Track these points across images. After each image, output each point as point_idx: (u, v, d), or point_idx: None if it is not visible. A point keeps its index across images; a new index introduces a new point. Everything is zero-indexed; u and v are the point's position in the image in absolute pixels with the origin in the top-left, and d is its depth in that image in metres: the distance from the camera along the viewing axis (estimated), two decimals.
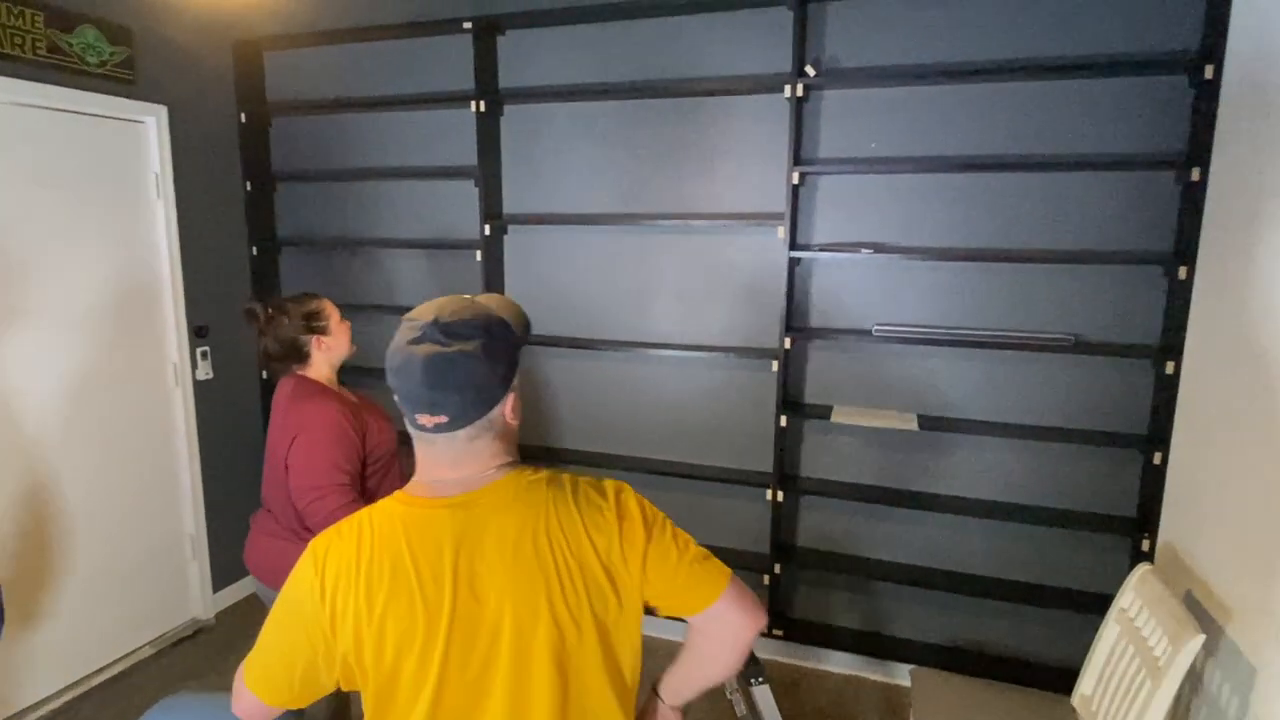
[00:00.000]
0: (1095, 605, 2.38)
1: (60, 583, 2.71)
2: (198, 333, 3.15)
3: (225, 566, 3.31)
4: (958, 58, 2.46)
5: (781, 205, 2.63)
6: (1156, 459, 2.32)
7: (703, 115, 2.77)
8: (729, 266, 2.84)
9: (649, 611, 1.04)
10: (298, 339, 1.95)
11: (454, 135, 3.09)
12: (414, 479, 1.02)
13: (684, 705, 1.18)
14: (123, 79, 2.78)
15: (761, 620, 1.05)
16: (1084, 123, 2.38)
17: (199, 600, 3.24)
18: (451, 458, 0.98)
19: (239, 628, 3.21)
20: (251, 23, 3.23)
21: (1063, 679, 2.36)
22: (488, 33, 2.91)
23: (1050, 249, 2.46)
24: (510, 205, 3.10)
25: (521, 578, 0.95)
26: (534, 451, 3.13)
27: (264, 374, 3.43)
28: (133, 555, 2.96)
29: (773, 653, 2.94)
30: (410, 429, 0.99)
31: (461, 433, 0.96)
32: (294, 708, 1.03)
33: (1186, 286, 2.23)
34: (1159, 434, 2.34)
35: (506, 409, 1.00)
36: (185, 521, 3.17)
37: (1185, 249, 2.23)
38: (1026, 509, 2.58)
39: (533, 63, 2.95)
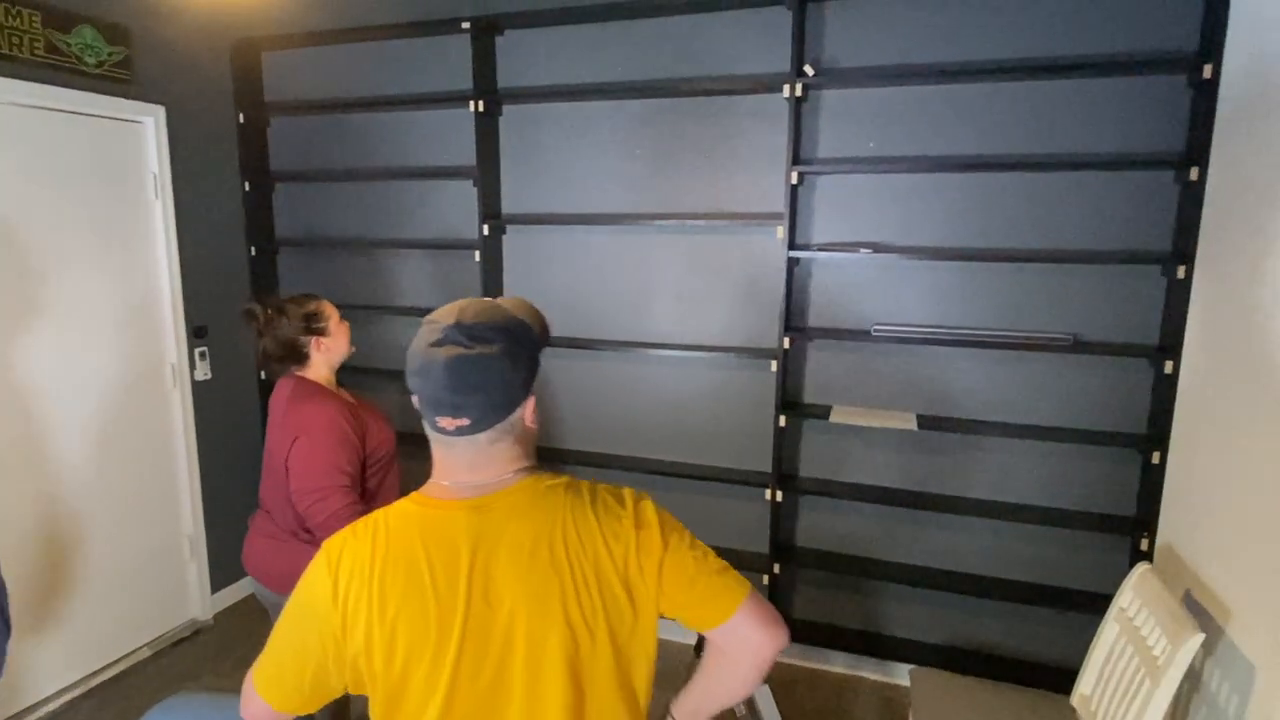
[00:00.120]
0: (1094, 605, 2.38)
1: (58, 584, 2.70)
2: (196, 333, 3.14)
3: (224, 567, 3.31)
4: (956, 58, 2.46)
5: (780, 205, 2.63)
6: (1155, 458, 2.32)
7: (702, 115, 2.77)
8: (728, 266, 2.84)
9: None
10: (297, 340, 1.94)
11: (452, 135, 3.09)
12: (430, 480, 1.01)
13: None
14: (121, 79, 2.78)
15: (783, 636, 1.01)
16: (1083, 122, 2.38)
17: (197, 601, 3.24)
18: (470, 461, 0.97)
19: (237, 629, 3.21)
20: (250, 23, 3.23)
21: (1062, 678, 2.36)
22: (486, 32, 2.90)
23: (1049, 249, 2.46)
24: (509, 205, 3.09)
25: (537, 584, 0.93)
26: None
27: (262, 374, 3.42)
28: (131, 556, 2.95)
29: None
30: (429, 431, 0.98)
31: (482, 435, 0.95)
32: (303, 713, 1.01)
33: (1185, 286, 2.23)
34: (1158, 433, 2.34)
35: (527, 412, 1.00)
36: (184, 522, 3.17)
37: (1184, 248, 2.23)
38: (1026, 508, 2.58)
39: (531, 63, 2.95)
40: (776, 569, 2.77)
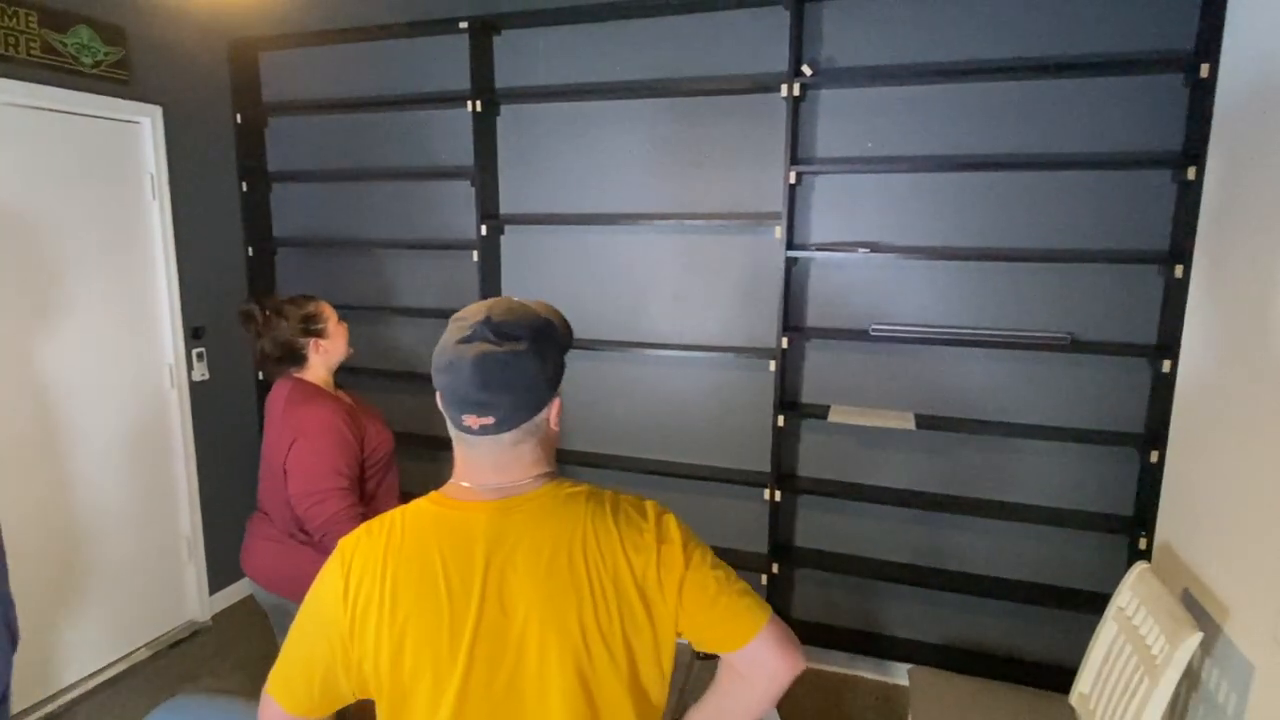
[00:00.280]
0: (1092, 604, 2.38)
1: (56, 585, 2.70)
2: (194, 334, 3.14)
3: (222, 568, 3.30)
4: (954, 57, 2.46)
5: (778, 205, 2.63)
6: (1153, 457, 2.32)
7: (699, 115, 2.77)
8: (726, 266, 2.84)
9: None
10: (295, 342, 1.94)
11: (450, 135, 3.08)
12: (450, 481, 1.00)
13: None
14: (117, 79, 2.77)
15: (800, 663, 0.99)
16: (1080, 122, 2.38)
17: (195, 602, 3.23)
18: (493, 462, 0.96)
19: (236, 630, 3.20)
20: (247, 23, 3.22)
21: (1060, 678, 2.36)
22: (484, 32, 2.90)
23: (1046, 248, 2.46)
24: (507, 205, 3.09)
25: (554, 593, 0.92)
26: None
27: (260, 375, 3.42)
28: (129, 557, 2.95)
29: None
30: (452, 431, 0.97)
31: (506, 435, 0.94)
32: (315, 717, 0.99)
33: (1183, 285, 2.23)
34: (1156, 432, 2.34)
35: (552, 413, 0.99)
36: (182, 523, 3.16)
37: (1181, 248, 2.23)
38: (1024, 508, 2.58)
39: (529, 63, 2.95)
40: (775, 568, 2.77)
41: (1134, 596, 1.96)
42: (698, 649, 1.00)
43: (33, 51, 2.49)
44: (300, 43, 3.21)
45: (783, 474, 2.82)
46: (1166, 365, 2.27)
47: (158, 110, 2.93)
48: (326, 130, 3.31)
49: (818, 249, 2.68)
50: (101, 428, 2.82)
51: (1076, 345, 2.43)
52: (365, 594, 0.93)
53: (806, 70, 2.49)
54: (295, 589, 1.69)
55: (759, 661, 0.98)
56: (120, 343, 2.88)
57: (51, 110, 2.59)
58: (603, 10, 2.73)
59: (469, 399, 0.92)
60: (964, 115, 2.49)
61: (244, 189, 3.34)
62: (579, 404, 3.11)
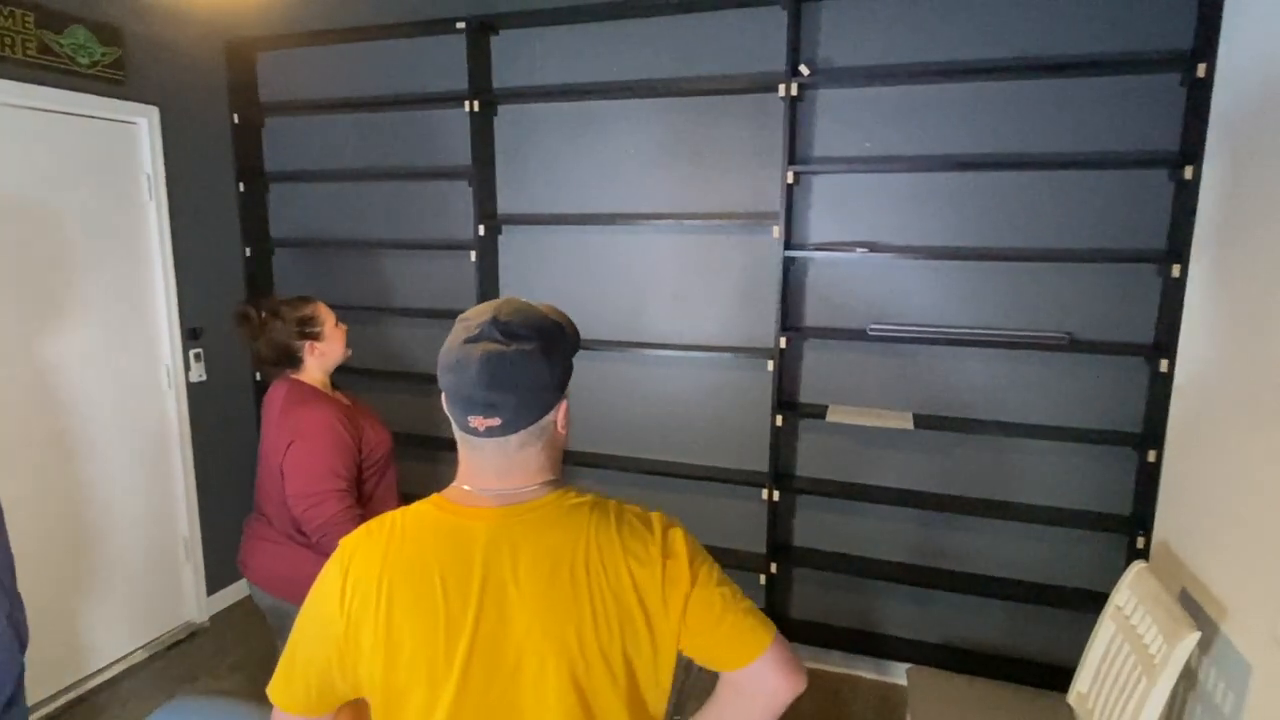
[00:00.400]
0: (1091, 603, 2.39)
1: (53, 586, 2.69)
2: (191, 335, 3.13)
3: (219, 569, 3.30)
4: (951, 57, 2.47)
5: (776, 205, 2.63)
6: (1151, 457, 2.32)
7: (697, 115, 2.77)
8: (724, 266, 2.84)
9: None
10: (290, 344, 1.93)
11: (448, 135, 3.08)
12: (453, 484, 0.98)
13: None
14: (114, 80, 2.77)
15: (801, 684, 0.97)
16: (1077, 121, 2.38)
17: (193, 603, 3.23)
18: (498, 465, 0.94)
19: (234, 631, 3.20)
20: (244, 22, 3.21)
21: (1059, 677, 2.36)
22: (481, 32, 2.90)
23: (1044, 248, 2.47)
24: (505, 205, 3.09)
25: (553, 605, 0.90)
26: None
27: (258, 376, 3.41)
28: (126, 558, 2.94)
29: None
30: (457, 433, 0.95)
31: (513, 438, 0.92)
32: (313, 716, 0.98)
33: (1180, 284, 2.23)
34: (1153, 432, 2.34)
35: (559, 416, 0.97)
36: (179, 524, 3.16)
37: (1179, 247, 2.23)
38: (1022, 507, 2.58)
39: (527, 62, 2.94)
40: (773, 568, 2.77)
41: (1132, 596, 1.96)
42: (699, 664, 0.98)
43: (29, 52, 2.48)
44: (297, 43, 3.21)
45: (781, 474, 2.82)
46: (1164, 365, 2.27)
47: (154, 110, 2.92)
48: (324, 130, 3.30)
49: (816, 249, 2.68)
50: (99, 429, 2.81)
51: (1074, 345, 2.43)
52: (361, 596, 0.92)
53: (804, 70, 2.49)
54: (293, 590, 1.70)
55: (761, 681, 0.96)
56: (117, 344, 2.87)
57: (48, 110, 2.59)
58: (600, 10, 2.73)
59: (475, 399, 0.90)
60: (961, 115, 2.49)
61: (241, 189, 3.33)
62: (576, 404, 3.09)
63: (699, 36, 2.71)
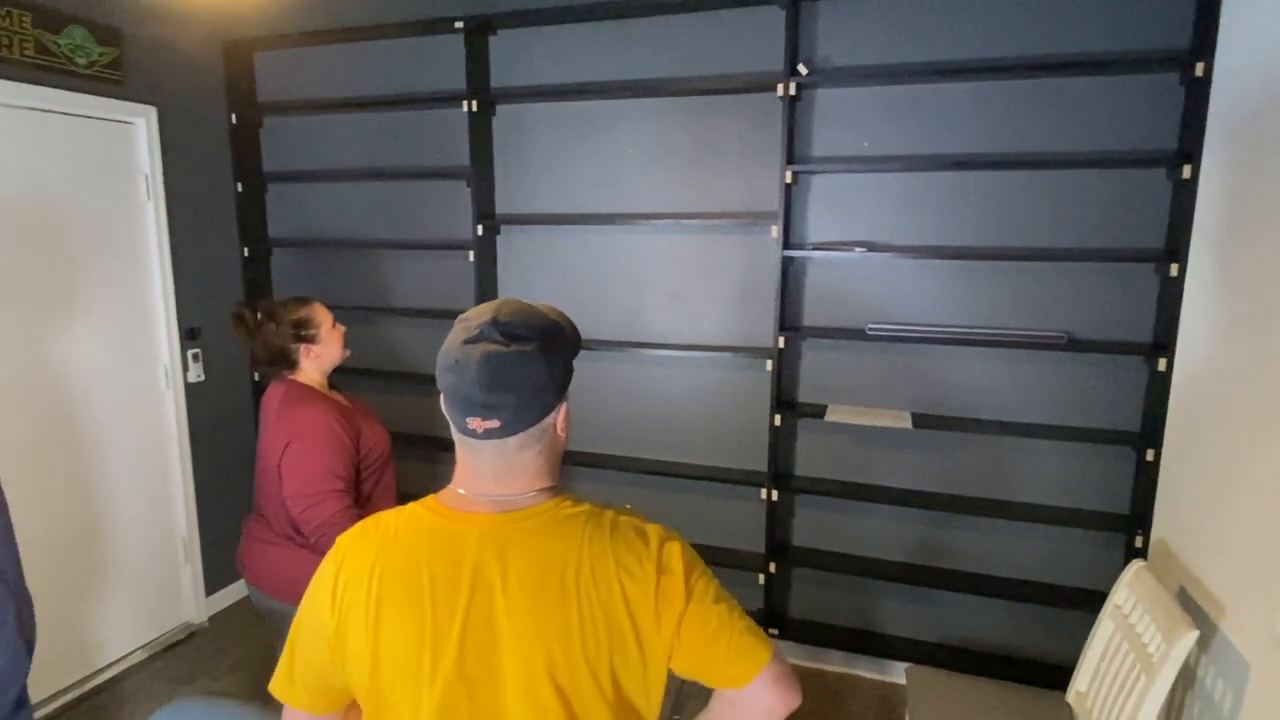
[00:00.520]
0: (1089, 602, 2.39)
1: (51, 587, 2.68)
2: (189, 335, 3.13)
3: (218, 570, 3.30)
4: (949, 56, 2.47)
5: (775, 204, 2.63)
6: (1149, 456, 2.33)
7: (695, 115, 2.77)
8: (722, 266, 2.84)
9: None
10: (285, 347, 1.92)
11: (446, 135, 3.08)
12: (449, 487, 0.97)
13: None
14: (112, 80, 2.76)
15: (797, 700, 0.96)
16: (1075, 121, 2.38)
17: (191, 604, 3.22)
18: (497, 468, 0.93)
19: (233, 631, 3.20)
20: (241, 23, 3.21)
21: (1058, 676, 2.37)
22: (479, 32, 2.89)
23: (1042, 247, 2.47)
24: (503, 205, 3.09)
25: (540, 616, 0.88)
26: None
27: (256, 376, 3.41)
28: (125, 559, 2.94)
29: None
30: (456, 435, 0.94)
31: (512, 440, 0.91)
32: (317, 713, 0.99)
33: (1178, 283, 2.23)
34: (1152, 431, 2.34)
35: (559, 418, 0.96)
36: (177, 525, 3.16)
37: (1177, 246, 2.24)
38: (1021, 506, 2.58)
39: (525, 62, 2.94)
40: (773, 568, 2.77)
41: (1130, 595, 1.96)
42: (696, 680, 0.97)
43: (26, 52, 2.48)
44: (295, 43, 3.20)
45: (780, 473, 2.82)
46: (1162, 364, 2.28)
47: (152, 110, 2.92)
48: (322, 130, 3.30)
49: (814, 248, 2.68)
50: (97, 429, 2.81)
51: (1072, 344, 2.43)
52: (351, 596, 0.92)
53: (802, 70, 2.49)
54: (292, 591, 1.69)
55: (757, 700, 0.95)
56: (115, 344, 2.87)
57: (45, 111, 2.58)
58: (598, 10, 2.73)
59: (474, 400, 0.88)
60: (960, 114, 2.49)
61: (239, 189, 3.33)
62: (575, 404, 3.08)
63: (697, 36, 2.71)
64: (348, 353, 2.04)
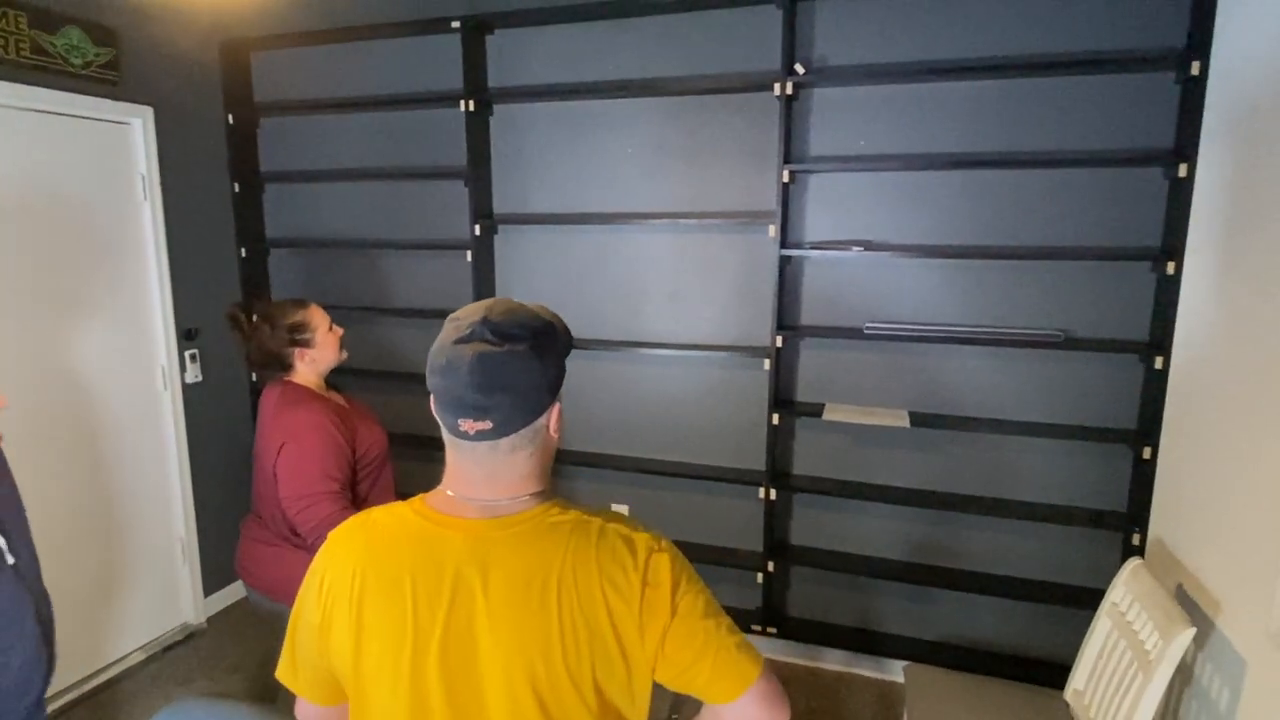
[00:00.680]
0: (1087, 600, 2.39)
1: (49, 588, 2.67)
2: (186, 335, 3.12)
3: (216, 570, 3.29)
4: (946, 55, 2.47)
5: (772, 204, 2.63)
6: (1146, 454, 2.33)
7: (692, 114, 2.77)
8: (720, 265, 2.84)
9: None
10: (280, 351, 1.92)
11: (443, 135, 3.07)
12: (439, 487, 0.96)
13: None
14: (108, 80, 2.76)
15: (785, 715, 0.95)
16: (1072, 119, 2.39)
17: (190, 604, 3.22)
18: (487, 470, 0.92)
19: (231, 632, 3.20)
20: (238, 23, 3.21)
21: (1056, 673, 2.37)
22: (477, 32, 2.89)
23: (1039, 245, 2.47)
24: (500, 205, 3.09)
25: (520, 624, 0.87)
26: None
27: (254, 377, 3.41)
28: (123, 560, 2.93)
29: (767, 651, 2.94)
30: (447, 436, 0.92)
31: (504, 441, 0.90)
32: (321, 704, 1.00)
33: (1175, 282, 2.24)
34: (1148, 429, 2.35)
35: (551, 419, 0.94)
36: (175, 525, 3.15)
37: (1173, 244, 2.24)
38: (1018, 504, 2.59)
39: (522, 62, 2.94)
40: (771, 567, 2.78)
41: (1127, 592, 1.97)
42: (683, 692, 0.96)
43: (22, 52, 2.47)
44: (292, 43, 3.20)
45: (778, 472, 2.82)
46: (1159, 362, 2.28)
47: (149, 111, 2.92)
48: (319, 131, 3.29)
49: (811, 247, 2.68)
50: (94, 430, 2.80)
51: (1069, 342, 2.43)
52: (336, 592, 0.92)
53: (799, 69, 2.49)
54: (289, 592, 1.69)
55: (743, 716, 0.94)
56: (112, 344, 2.86)
57: (41, 111, 2.58)
58: (595, 10, 2.73)
59: (465, 401, 0.87)
60: (956, 113, 2.49)
61: (236, 190, 3.33)
62: (572, 404, 3.11)
63: (694, 36, 2.71)
64: (345, 355, 2.04)
